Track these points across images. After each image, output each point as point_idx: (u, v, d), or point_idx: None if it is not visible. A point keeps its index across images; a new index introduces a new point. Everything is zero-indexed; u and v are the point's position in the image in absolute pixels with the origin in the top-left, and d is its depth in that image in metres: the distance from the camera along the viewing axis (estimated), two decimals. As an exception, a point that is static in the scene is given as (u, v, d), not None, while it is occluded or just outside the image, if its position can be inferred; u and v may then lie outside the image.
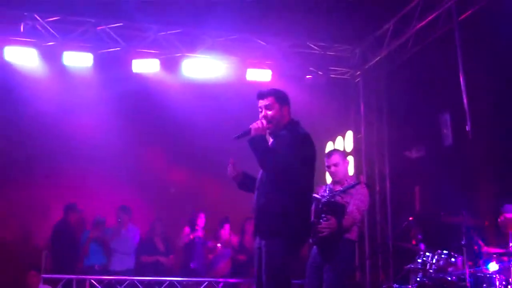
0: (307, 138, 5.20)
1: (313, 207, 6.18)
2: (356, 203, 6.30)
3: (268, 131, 5.25)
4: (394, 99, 10.25)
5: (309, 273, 6.41)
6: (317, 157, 5.25)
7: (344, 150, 11.17)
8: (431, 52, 9.27)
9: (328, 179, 9.81)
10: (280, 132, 5.24)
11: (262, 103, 5.27)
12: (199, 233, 10.40)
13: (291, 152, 5.04)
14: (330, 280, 6.17)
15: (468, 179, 8.45)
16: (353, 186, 6.40)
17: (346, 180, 6.52)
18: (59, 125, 10.84)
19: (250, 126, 5.18)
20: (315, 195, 6.28)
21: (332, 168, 6.53)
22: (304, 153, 5.13)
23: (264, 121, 5.19)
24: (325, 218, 6.06)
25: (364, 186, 6.52)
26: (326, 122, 10.76)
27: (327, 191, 6.49)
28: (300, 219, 5.10)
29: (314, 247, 6.40)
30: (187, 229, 10.48)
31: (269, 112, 5.23)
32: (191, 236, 10.34)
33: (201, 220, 10.49)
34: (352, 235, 6.35)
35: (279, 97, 5.29)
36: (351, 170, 10.50)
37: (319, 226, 6.04)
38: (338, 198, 6.35)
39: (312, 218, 6.11)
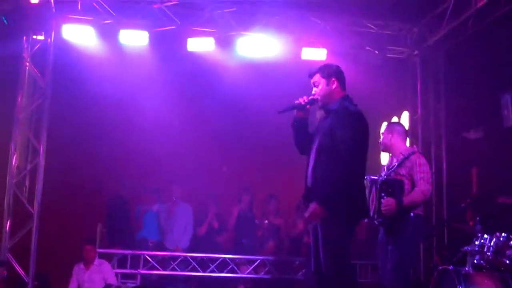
0: (361, 116, 5.17)
1: (373, 189, 6.18)
2: (421, 176, 6.23)
3: (319, 105, 5.31)
4: (452, 79, 10.03)
5: (379, 252, 6.41)
6: (369, 135, 5.20)
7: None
8: (492, 31, 9.01)
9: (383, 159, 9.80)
10: (331, 107, 5.23)
11: (311, 81, 5.34)
12: (244, 207, 10.49)
13: (348, 134, 5.03)
14: (395, 259, 6.14)
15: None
16: (407, 158, 6.34)
17: (401, 153, 6.46)
18: (116, 103, 10.97)
19: (295, 101, 5.25)
20: (373, 176, 6.26)
21: (379, 139, 6.53)
22: (359, 132, 5.10)
23: (305, 97, 5.24)
24: (384, 198, 6.06)
25: (419, 154, 6.44)
26: (382, 102, 10.60)
27: (385, 169, 6.48)
28: (353, 197, 5.06)
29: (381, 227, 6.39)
30: (235, 209, 10.58)
31: (317, 89, 5.28)
32: (236, 211, 10.44)
33: (247, 198, 10.57)
34: (418, 209, 6.30)
35: (325, 72, 5.30)
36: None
37: (381, 206, 6.06)
38: (392, 174, 6.32)
39: (374, 200, 6.11)
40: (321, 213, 4.99)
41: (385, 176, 6.38)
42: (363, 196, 5.32)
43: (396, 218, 6.14)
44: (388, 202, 6.08)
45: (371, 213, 6.22)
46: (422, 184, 6.23)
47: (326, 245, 5.04)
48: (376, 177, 6.31)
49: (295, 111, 5.32)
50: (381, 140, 6.63)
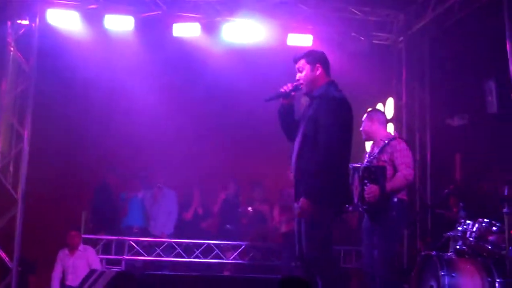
0: (344, 102, 5.18)
1: (355, 176, 6.20)
2: (402, 161, 6.26)
3: (303, 92, 5.33)
4: (437, 65, 10.06)
5: (363, 239, 6.46)
6: (354, 121, 5.21)
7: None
8: (477, 18, 9.03)
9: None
10: (315, 93, 5.24)
11: (296, 66, 5.34)
12: (230, 194, 10.52)
13: (331, 120, 5.04)
14: (380, 245, 6.19)
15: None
16: (387, 144, 6.39)
17: (381, 139, 6.50)
18: (101, 88, 10.93)
19: (280, 89, 5.26)
20: (355, 164, 6.29)
21: (361, 127, 6.57)
22: (341, 118, 5.10)
23: (289, 85, 5.25)
24: (367, 185, 6.09)
25: (400, 140, 6.48)
26: (367, 88, 10.60)
27: (367, 156, 6.53)
28: (338, 184, 5.10)
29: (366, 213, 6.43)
30: (222, 194, 10.60)
31: (301, 74, 5.29)
32: (222, 197, 10.46)
33: (233, 184, 10.59)
34: (402, 194, 6.34)
35: (310, 58, 5.31)
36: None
37: (364, 193, 6.09)
38: (374, 161, 6.35)
39: (357, 187, 6.15)
40: (309, 208, 5.01)
41: (367, 163, 6.42)
42: (346, 182, 5.34)
43: (380, 204, 6.17)
44: (371, 189, 6.11)
45: (355, 200, 6.26)
46: (404, 168, 6.26)
47: (308, 231, 5.07)
48: (358, 165, 6.34)
49: (281, 98, 5.33)
50: (362, 128, 6.65)
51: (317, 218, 5.03)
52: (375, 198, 6.10)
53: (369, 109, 6.76)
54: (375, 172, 6.17)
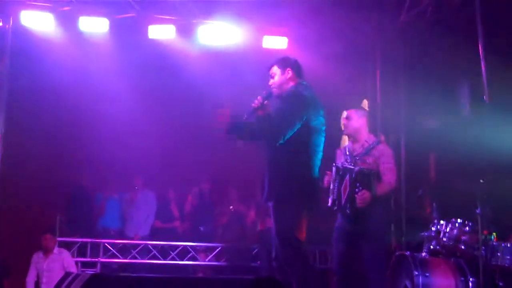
0: (296, 96, 5.28)
1: (347, 177, 6.20)
2: (388, 167, 6.35)
3: (275, 95, 5.46)
4: (411, 67, 10.12)
5: (337, 239, 6.46)
6: (313, 116, 5.24)
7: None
8: (451, 20, 9.11)
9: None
10: (284, 95, 5.42)
11: (270, 72, 5.55)
12: (202, 195, 10.52)
13: (277, 113, 5.21)
14: (371, 248, 6.25)
15: (484, 149, 8.35)
16: (374, 147, 6.42)
17: (366, 140, 6.52)
18: (75, 90, 10.85)
19: (252, 105, 5.37)
20: (347, 165, 6.29)
21: (344, 121, 6.62)
22: (292, 111, 5.20)
23: (259, 97, 5.36)
24: (359, 189, 6.09)
25: (386, 144, 6.54)
26: (342, 90, 10.64)
27: (347, 154, 6.52)
28: (300, 180, 5.14)
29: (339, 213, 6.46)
30: (192, 195, 10.60)
31: (273, 80, 5.49)
32: (192, 199, 10.45)
33: (205, 185, 10.61)
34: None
35: (280, 63, 5.51)
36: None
37: (357, 198, 6.10)
38: (359, 161, 6.37)
39: (347, 188, 6.16)
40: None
41: (351, 163, 6.40)
42: (309, 176, 5.25)
43: (368, 207, 6.22)
44: (364, 195, 6.13)
45: (343, 202, 6.26)
46: (389, 175, 6.34)
47: (275, 230, 5.16)
48: (351, 166, 6.32)
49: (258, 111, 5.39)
50: (348, 123, 6.64)
51: (281, 216, 5.10)
52: (366, 204, 6.14)
53: (345, 111, 6.74)
54: (368, 176, 6.19)
